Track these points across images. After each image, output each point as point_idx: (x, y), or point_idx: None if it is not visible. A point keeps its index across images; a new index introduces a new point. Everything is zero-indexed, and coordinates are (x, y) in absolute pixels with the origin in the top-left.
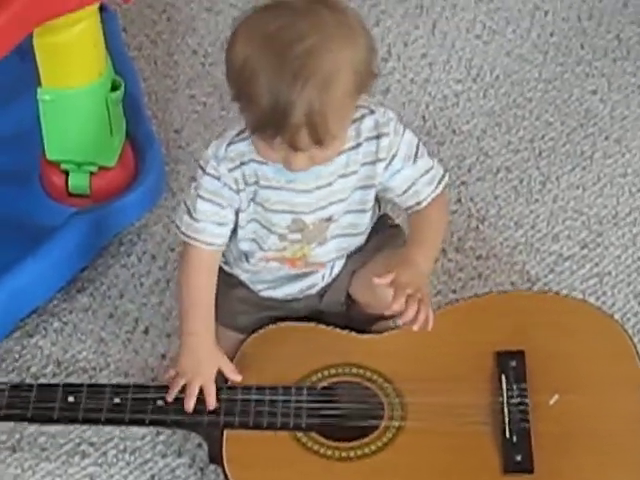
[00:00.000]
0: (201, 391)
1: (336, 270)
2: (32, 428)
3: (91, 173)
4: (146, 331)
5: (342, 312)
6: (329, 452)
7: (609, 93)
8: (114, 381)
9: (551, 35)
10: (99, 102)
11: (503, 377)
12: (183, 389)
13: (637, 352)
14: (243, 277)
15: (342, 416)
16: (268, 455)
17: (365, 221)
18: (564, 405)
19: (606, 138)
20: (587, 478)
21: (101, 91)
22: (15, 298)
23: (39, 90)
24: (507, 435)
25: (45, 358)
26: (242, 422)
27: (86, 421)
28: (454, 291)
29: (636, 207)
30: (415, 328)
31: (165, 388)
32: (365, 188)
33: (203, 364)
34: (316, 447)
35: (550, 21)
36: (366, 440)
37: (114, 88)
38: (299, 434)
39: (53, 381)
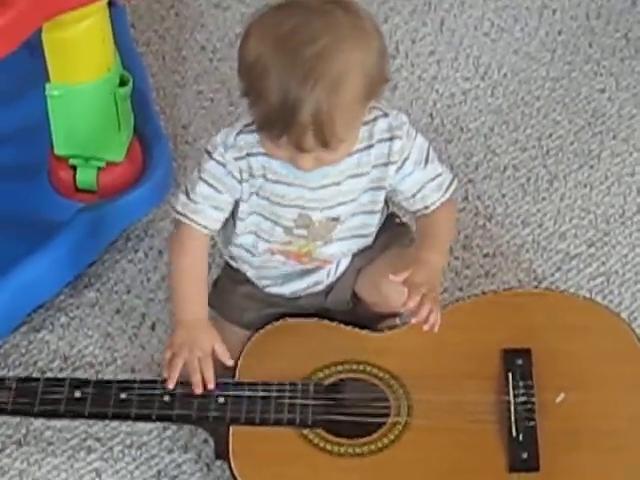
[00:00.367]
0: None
1: (342, 268)
2: (38, 422)
3: (99, 168)
4: (153, 327)
5: (348, 310)
6: (335, 449)
7: (617, 92)
8: (120, 376)
9: (559, 33)
10: (107, 97)
11: (509, 375)
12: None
13: None
14: (249, 273)
15: (348, 413)
16: (274, 451)
17: (374, 223)
18: (570, 403)
19: (614, 137)
20: (593, 476)
21: (109, 86)
22: (22, 293)
23: (47, 85)
24: (513, 433)
25: (52, 353)
26: (248, 418)
27: (92, 416)
28: (460, 289)
29: None
30: (425, 328)
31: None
32: (376, 190)
33: (198, 340)
34: (322, 444)
35: (558, 19)
36: (372, 437)
37: (122, 83)
38: (305, 431)
39: (59, 376)
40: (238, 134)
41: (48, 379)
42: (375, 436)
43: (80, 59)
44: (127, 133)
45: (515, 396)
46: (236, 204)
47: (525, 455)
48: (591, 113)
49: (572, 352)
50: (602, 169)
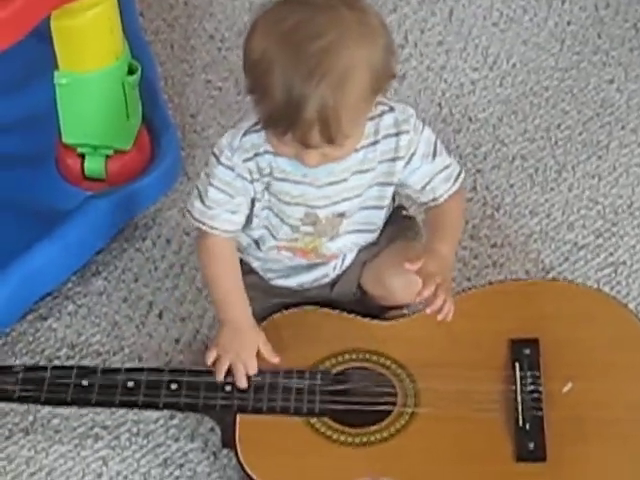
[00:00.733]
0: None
1: (348, 261)
2: (45, 410)
3: (107, 157)
4: (160, 315)
5: (355, 300)
6: (342, 437)
7: (626, 82)
8: (127, 365)
9: (568, 24)
10: (116, 86)
11: (517, 365)
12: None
13: None
14: (255, 265)
15: (355, 402)
16: (281, 440)
17: (380, 218)
18: (577, 393)
19: (622, 127)
20: (600, 466)
21: (118, 75)
22: (29, 281)
23: (56, 74)
24: (520, 423)
25: (59, 341)
26: (255, 407)
27: (100, 404)
28: (468, 279)
29: None
30: (440, 317)
31: (178, 372)
32: (383, 185)
33: (243, 343)
34: (329, 432)
35: (567, 10)
36: (379, 426)
37: (131, 72)
38: (312, 419)
39: (67, 364)
40: (244, 135)
41: (55, 367)
42: (382, 425)
43: (88, 47)
44: (135, 121)
45: (522, 386)
46: (252, 202)
47: (532, 445)
48: (600, 103)
49: (579, 342)
50: (610, 160)
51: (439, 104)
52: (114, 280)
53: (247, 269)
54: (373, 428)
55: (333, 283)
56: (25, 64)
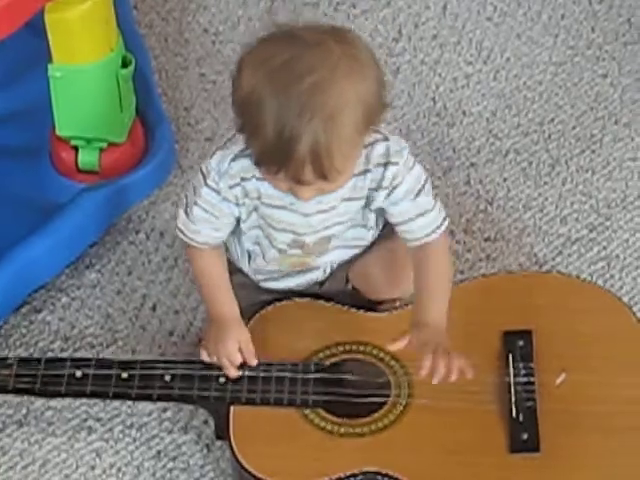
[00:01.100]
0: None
1: (336, 265)
2: (39, 403)
3: (101, 149)
4: (154, 308)
5: (347, 292)
6: (336, 429)
7: (619, 77)
8: (120, 357)
9: (562, 18)
10: (109, 78)
11: (510, 356)
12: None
13: None
14: (244, 268)
15: (349, 393)
16: (275, 431)
17: (368, 235)
18: (570, 385)
19: (616, 122)
20: (592, 458)
21: (111, 67)
22: (23, 273)
23: (50, 66)
24: (514, 414)
25: (52, 333)
26: (249, 398)
27: (93, 395)
28: (462, 272)
29: None
30: (434, 381)
31: (172, 363)
32: (365, 208)
33: (225, 338)
34: (323, 424)
35: (561, 4)
36: (373, 417)
37: (125, 65)
38: (306, 411)
39: (61, 356)
40: (233, 160)
41: (49, 359)
42: (376, 416)
43: (82, 40)
44: (129, 114)
45: (515, 377)
46: (238, 221)
47: (525, 436)
48: (593, 98)
49: (573, 334)
50: (604, 154)
51: (433, 98)
52: (107, 273)
53: (234, 268)
54: (367, 419)
55: (321, 282)
56: (19, 57)
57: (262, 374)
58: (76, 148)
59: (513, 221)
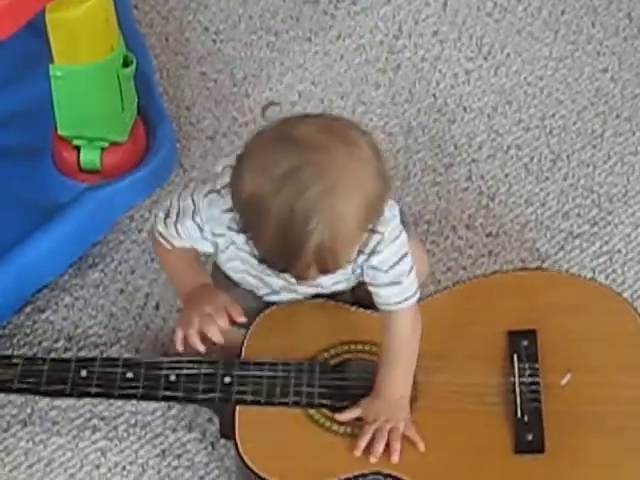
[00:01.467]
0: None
1: None
2: (43, 402)
3: (102, 149)
4: (157, 306)
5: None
6: (341, 429)
7: (620, 71)
8: (125, 356)
9: (562, 13)
10: (111, 78)
11: (515, 356)
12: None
13: None
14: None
15: (354, 393)
16: (280, 431)
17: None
18: (575, 385)
19: (617, 116)
20: (597, 458)
21: (113, 67)
22: (26, 273)
23: (51, 66)
24: (518, 415)
25: (56, 333)
26: (254, 399)
27: (98, 395)
28: (464, 268)
29: None
30: (372, 460)
31: (177, 362)
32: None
33: (208, 301)
34: (328, 423)
35: None
36: None
37: (126, 64)
38: (311, 410)
39: (64, 356)
40: (226, 211)
41: (54, 358)
42: None
43: (83, 40)
44: (131, 114)
45: (520, 377)
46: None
47: (530, 436)
48: (594, 93)
49: (578, 334)
50: (605, 148)
51: (434, 94)
52: (111, 272)
53: (232, 283)
54: None
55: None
56: (20, 57)
57: (267, 374)
58: (78, 148)
59: (515, 216)
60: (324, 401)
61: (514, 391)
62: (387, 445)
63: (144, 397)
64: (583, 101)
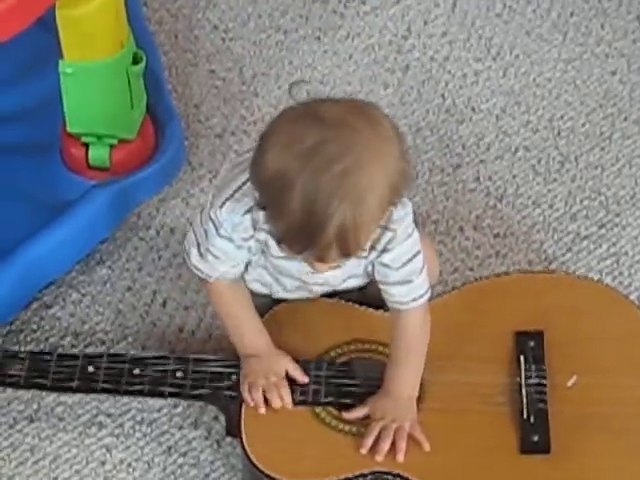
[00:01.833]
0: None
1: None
2: (50, 398)
3: (111, 146)
4: (164, 304)
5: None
6: (347, 427)
7: (629, 74)
8: (131, 353)
9: (571, 15)
10: (120, 75)
11: (522, 357)
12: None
13: None
14: None
15: (361, 392)
16: (286, 429)
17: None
18: (581, 386)
19: (625, 119)
20: (603, 460)
21: (122, 64)
22: (34, 270)
23: (60, 63)
24: (524, 415)
25: (63, 329)
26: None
27: (105, 391)
28: (471, 269)
29: None
30: (377, 459)
31: (184, 360)
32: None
33: (271, 368)
34: (334, 422)
35: (570, 1)
36: None
37: (135, 61)
38: (317, 409)
39: (72, 352)
40: (247, 212)
41: (61, 354)
42: None
43: (93, 36)
44: (139, 111)
45: (527, 378)
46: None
47: (536, 437)
48: (602, 95)
49: (584, 336)
50: (613, 151)
51: (442, 95)
52: (118, 269)
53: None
54: None
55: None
56: (29, 53)
57: None
58: (86, 145)
59: (522, 218)
60: (330, 399)
61: (520, 392)
62: (393, 444)
63: (151, 393)
64: (592, 103)
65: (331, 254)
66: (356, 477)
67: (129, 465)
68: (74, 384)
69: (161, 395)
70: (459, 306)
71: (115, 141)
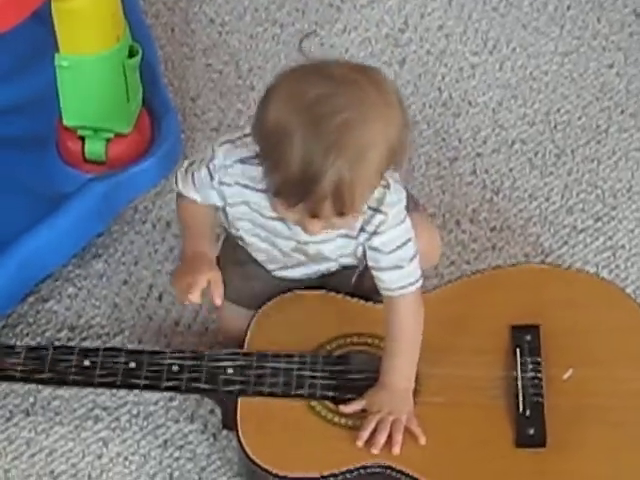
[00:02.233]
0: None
1: None
2: (46, 392)
3: (107, 139)
4: (160, 297)
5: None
6: (343, 421)
7: (625, 67)
8: (128, 347)
9: (568, 8)
10: (116, 68)
11: (518, 351)
12: None
13: None
14: (257, 256)
15: (357, 385)
16: (282, 422)
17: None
18: (578, 380)
19: (622, 112)
20: (599, 452)
21: (118, 57)
22: (30, 263)
23: (56, 56)
24: (520, 409)
25: (59, 323)
26: (257, 390)
27: (101, 385)
28: (468, 262)
29: None
30: (373, 451)
31: (179, 352)
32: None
33: (197, 270)
34: (330, 415)
35: None
36: None
37: (131, 55)
38: (313, 402)
39: (68, 345)
40: (238, 161)
41: (57, 347)
42: None
43: (89, 30)
44: (136, 104)
45: (523, 372)
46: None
47: (532, 431)
48: (599, 88)
49: (580, 328)
50: (610, 144)
51: (439, 88)
52: (114, 263)
53: (250, 259)
54: None
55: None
56: (25, 47)
57: (270, 365)
58: (83, 138)
59: (519, 211)
60: (326, 393)
61: (516, 385)
62: (389, 437)
63: (147, 387)
64: (588, 96)
65: (325, 209)
66: (353, 470)
67: (125, 458)
68: (70, 378)
69: (157, 389)
70: (455, 299)
71: (111, 135)
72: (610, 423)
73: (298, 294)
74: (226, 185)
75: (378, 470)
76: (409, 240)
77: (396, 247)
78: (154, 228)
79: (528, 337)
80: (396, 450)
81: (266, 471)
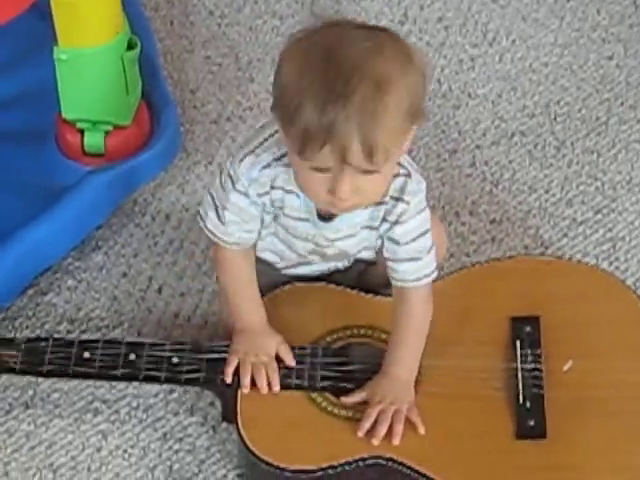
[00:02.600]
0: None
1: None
2: (45, 385)
3: (106, 132)
4: (159, 290)
5: (355, 275)
6: (343, 412)
7: (625, 59)
8: (127, 339)
9: (567, 0)
10: (115, 61)
11: (518, 343)
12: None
13: None
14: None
15: (357, 377)
16: (282, 414)
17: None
18: (577, 371)
19: (622, 104)
20: (599, 444)
21: (117, 50)
22: (29, 256)
23: (55, 49)
24: (520, 400)
25: (59, 316)
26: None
27: (101, 377)
28: (467, 254)
29: None
30: (374, 442)
31: (180, 344)
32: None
33: (262, 346)
34: (330, 407)
35: None
36: None
37: (130, 47)
38: (313, 394)
39: (68, 337)
40: (265, 167)
41: (57, 339)
42: None
43: (88, 23)
44: (135, 97)
45: (523, 363)
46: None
47: (532, 422)
48: (599, 80)
49: (580, 320)
50: (610, 136)
51: (438, 80)
52: (114, 255)
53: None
54: None
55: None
56: (24, 40)
57: None
58: (82, 131)
59: (518, 203)
60: (326, 384)
61: (516, 377)
62: (389, 429)
63: (147, 379)
64: (588, 88)
65: (354, 148)
66: (353, 462)
67: (125, 451)
68: (70, 370)
69: (157, 381)
70: (455, 291)
71: (110, 127)
72: (610, 414)
73: (297, 286)
74: (264, 195)
75: (377, 462)
76: (427, 231)
77: (415, 237)
78: (153, 221)
79: (528, 329)
80: (396, 441)
81: (266, 463)
